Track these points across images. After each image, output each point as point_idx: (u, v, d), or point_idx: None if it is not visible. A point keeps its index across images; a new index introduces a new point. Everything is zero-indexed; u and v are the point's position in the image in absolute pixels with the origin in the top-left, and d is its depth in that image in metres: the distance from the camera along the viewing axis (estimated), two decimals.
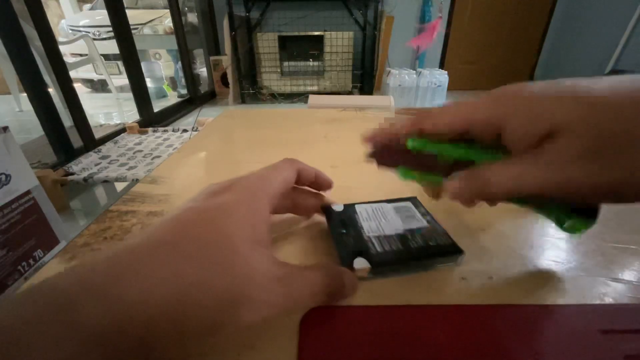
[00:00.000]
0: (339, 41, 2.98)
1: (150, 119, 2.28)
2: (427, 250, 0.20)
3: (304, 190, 0.23)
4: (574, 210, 0.18)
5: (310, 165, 0.22)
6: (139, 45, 2.16)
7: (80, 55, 3.04)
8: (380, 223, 0.22)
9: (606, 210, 0.17)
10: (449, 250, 0.20)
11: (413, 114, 0.19)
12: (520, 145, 0.15)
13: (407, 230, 0.22)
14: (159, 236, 0.13)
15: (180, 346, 0.12)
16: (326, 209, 0.22)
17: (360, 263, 0.19)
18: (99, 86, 3.72)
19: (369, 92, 3.19)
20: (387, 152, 0.20)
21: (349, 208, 0.23)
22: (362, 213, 0.22)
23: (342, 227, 0.21)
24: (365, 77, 3.22)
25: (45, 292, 0.11)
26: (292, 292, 0.15)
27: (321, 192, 0.23)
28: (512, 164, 0.15)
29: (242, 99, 3.12)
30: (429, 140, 0.18)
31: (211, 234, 0.14)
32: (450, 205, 0.28)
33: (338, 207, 0.22)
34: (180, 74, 3.05)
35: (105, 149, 1.56)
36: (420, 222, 0.23)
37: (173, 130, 1.83)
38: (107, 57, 3.16)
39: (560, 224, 0.18)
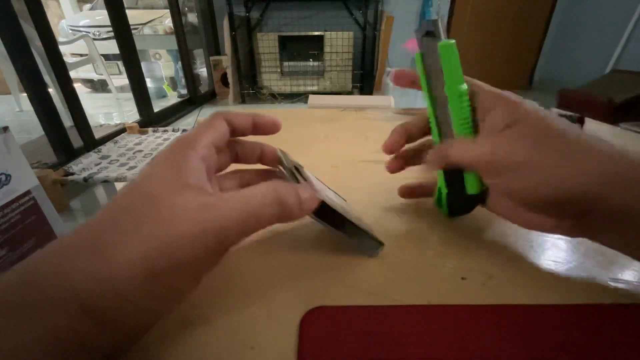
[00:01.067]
0: (339, 41, 2.98)
1: (150, 119, 2.27)
2: (360, 226, 0.22)
3: (247, 140, 0.23)
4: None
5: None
6: (139, 45, 2.16)
7: (80, 55, 3.04)
8: (324, 189, 0.23)
9: None
10: (373, 237, 0.23)
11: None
12: (490, 126, 0.20)
13: (345, 207, 0.23)
14: (100, 218, 0.15)
15: (128, 305, 0.13)
16: (281, 152, 0.23)
17: None
18: (99, 86, 3.72)
19: (369, 92, 3.19)
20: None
21: (300, 167, 0.24)
22: (310, 176, 0.24)
23: (295, 169, 0.22)
24: (365, 77, 3.22)
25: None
26: (227, 210, 0.15)
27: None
28: (470, 142, 0.21)
29: (242, 99, 3.12)
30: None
31: (134, 199, 0.15)
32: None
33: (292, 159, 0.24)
34: (180, 74, 3.05)
35: (105, 149, 1.55)
36: (354, 212, 0.25)
37: (173, 130, 1.83)
38: (107, 57, 3.16)
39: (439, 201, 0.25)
